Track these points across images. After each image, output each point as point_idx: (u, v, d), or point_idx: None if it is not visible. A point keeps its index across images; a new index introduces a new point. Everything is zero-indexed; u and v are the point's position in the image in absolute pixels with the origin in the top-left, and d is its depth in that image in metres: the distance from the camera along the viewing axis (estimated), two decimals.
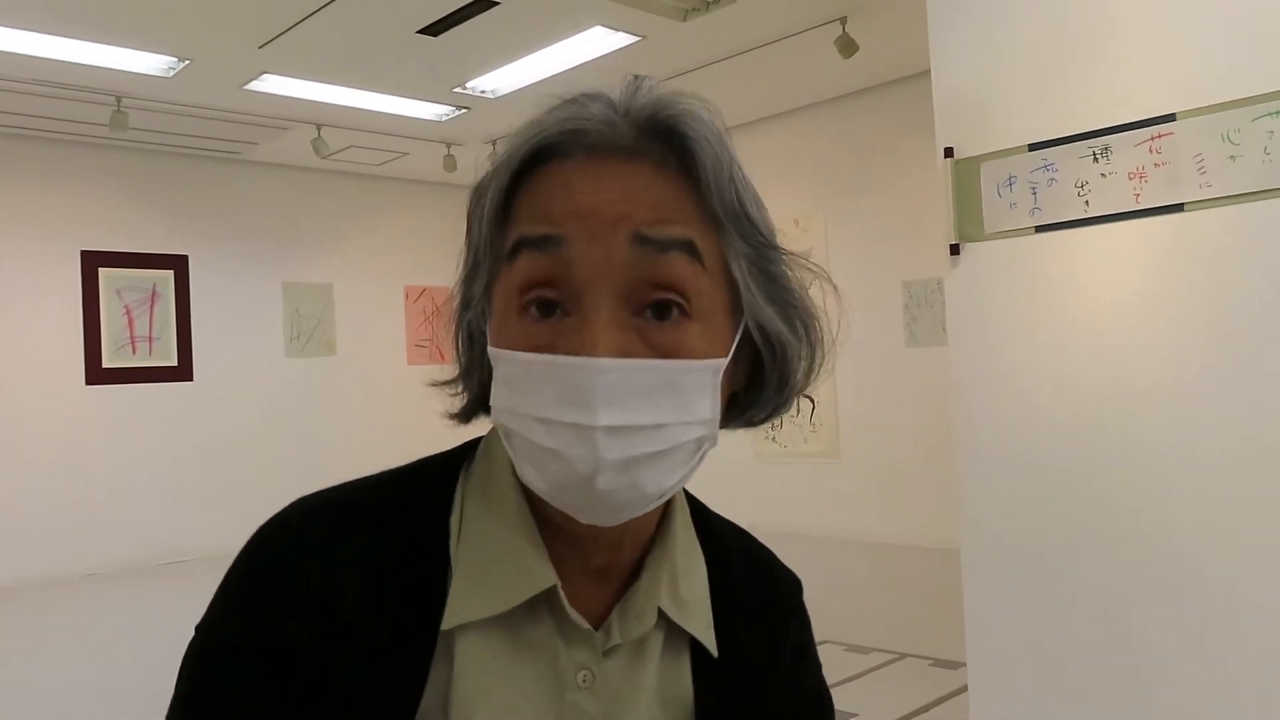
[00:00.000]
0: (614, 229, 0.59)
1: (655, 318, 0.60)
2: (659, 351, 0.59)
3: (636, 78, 0.64)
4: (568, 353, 0.58)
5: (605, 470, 0.57)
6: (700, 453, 0.62)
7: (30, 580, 6.00)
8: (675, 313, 0.60)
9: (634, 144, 0.62)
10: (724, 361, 0.62)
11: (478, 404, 0.70)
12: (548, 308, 0.60)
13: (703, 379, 0.61)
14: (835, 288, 0.71)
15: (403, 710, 0.61)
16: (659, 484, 0.60)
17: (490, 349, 0.62)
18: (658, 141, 0.62)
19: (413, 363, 7.81)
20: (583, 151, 0.61)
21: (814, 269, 0.69)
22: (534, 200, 0.62)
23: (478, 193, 0.65)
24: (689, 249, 0.61)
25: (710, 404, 0.61)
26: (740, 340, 0.65)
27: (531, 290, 0.60)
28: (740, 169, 0.64)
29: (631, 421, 0.57)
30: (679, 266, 0.60)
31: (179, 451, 6.72)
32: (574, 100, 0.63)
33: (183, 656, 0.64)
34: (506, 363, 0.60)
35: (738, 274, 0.63)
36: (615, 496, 0.58)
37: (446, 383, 0.71)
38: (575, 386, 0.57)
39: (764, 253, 0.65)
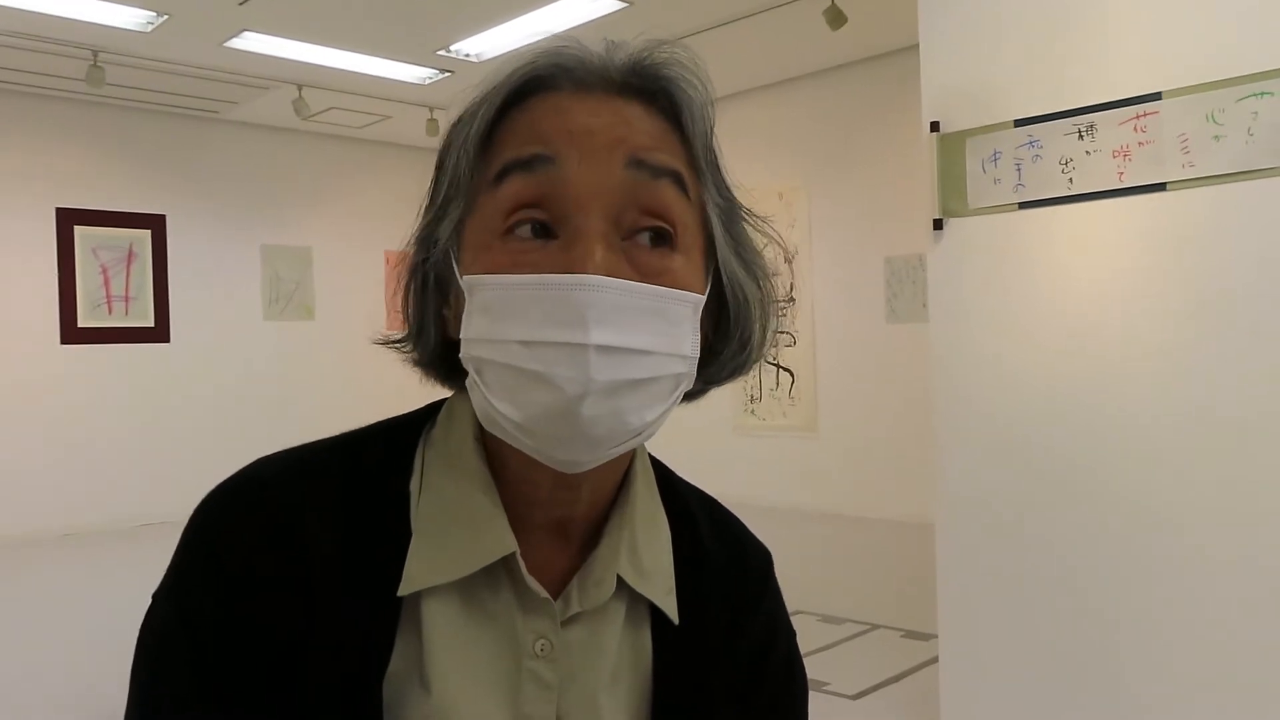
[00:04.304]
0: (610, 150, 0.60)
1: (645, 243, 0.60)
2: (646, 277, 0.59)
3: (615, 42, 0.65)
4: (556, 272, 0.57)
5: (593, 394, 0.56)
6: (677, 392, 0.62)
7: (4, 540, 5.97)
8: (663, 241, 0.61)
9: (622, 82, 0.63)
10: (702, 299, 0.62)
11: (432, 361, 0.68)
12: (533, 232, 0.59)
13: (686, 312, 0.60)
14: (789, 254, 0.71)
15: (368, 674, 0.60)
16: (640, 416, 0.59)
17: (467, 278, 0.60)
18: (646, 84, 0.63)
19: (392, 328, 7.75)
20: (572, 85, 0.62)
21: (772, 235, 0.70)
22: (522, 127, 0.62)
23: (459, 123, 0.64)
24: (677, 180, 0.61)
25: (691, 340, 0.61)
26: (708, 295, 0.64)
27: (517, 212, 0.59)
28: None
29: (623, 343, 0.56)
30: (668, 194, 0.61)
31: (155, 413, 6.68)
32: (563, 38, 0.64)
33: (140, 628, 0.62)
34: (486, 288, 0.59)
35: (713, 220, 0.64)
36: (597, 425, 0.57)
37: (397, 341, 0.69)
38: (568, 304, 0.55)
39: (731, 209, 0.66)
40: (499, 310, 0.58)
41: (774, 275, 0.69)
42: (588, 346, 0.55)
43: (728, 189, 0.66)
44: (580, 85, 0.62)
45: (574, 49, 0.63)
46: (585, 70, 0.62)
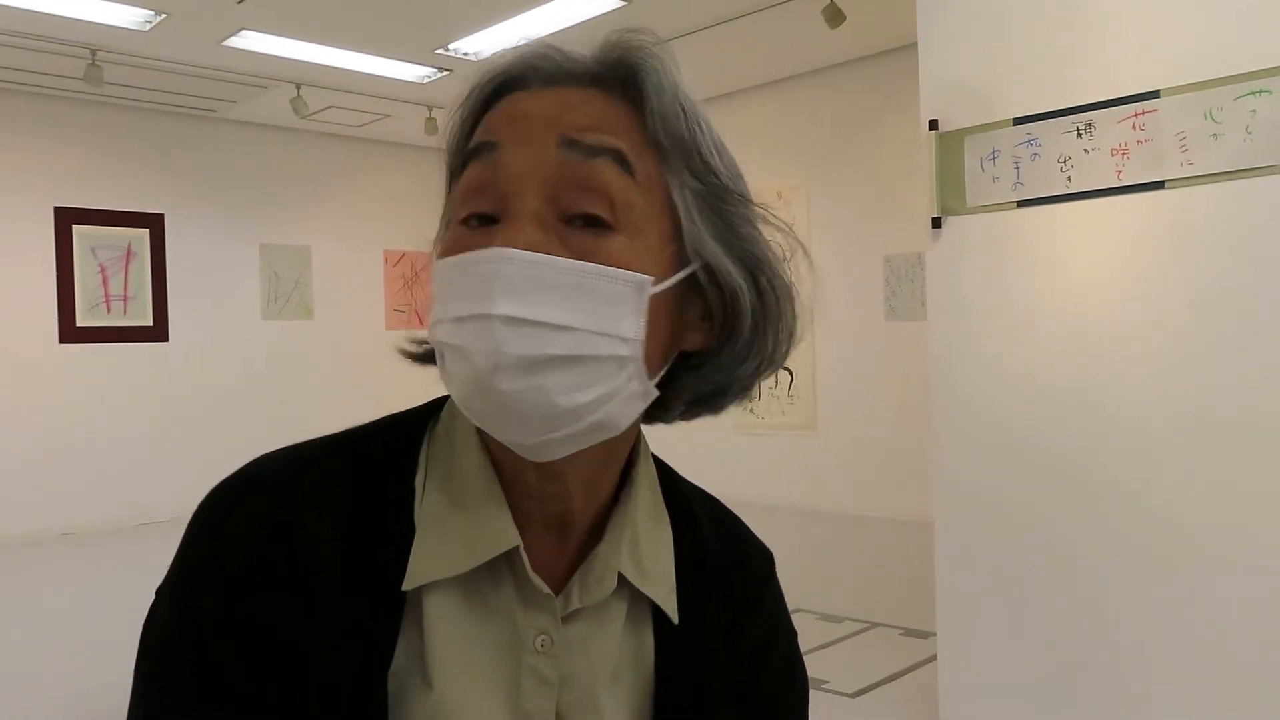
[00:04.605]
0: (543, 131, 0.60)
1: (584, 226, 0.60)
2: (579, 255, 0.59)
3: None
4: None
5: (505, 367, 0.56)
6: (624, 376, 0.60)
7: (4, 540, 5.97)
8: (599, 221, 0.60)
9: (588, 76, 0.63)
10: (649, 280, 0.60)
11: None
12: (482, 219, 0.60)
13: (624, 292, 0.59)
14: (805, 249, 0.69)
15: (372, 670, 0.60)
16: (570, 397, 0.58)
17: (432, 265, 0.63)
18: (607, 73, 0.63)
19: (391, 327, 7.77)
20: (540, 82, 0.63)
21: (779, 223, 0.68)
22: (484, 123, 0.63)
23: (449, 130, 0.66)
24: (618, 158, 0.61)
25: (632, 322, 0.59)
26: (695, 287, 0.64)
27: (469, 200, 0.61)
28: (700, 113, 0.64)
29: (532, 315, 0.56)
30: (606, 173, 0.60)
31: (154, 412, 6.68)
32: (537, 39, 0.65)
33: (144, 624, 0.62)
34: (435, 272, 0.61)
35: (680, 204, 0.63)
36: (519, 402, 0.57)
37: (422, 339, 0.70)
38: (479, 276, 0.57)
39: (717, 193, 0.64)
40: (441, 291, 0.60)
41: (783, 276, 0.67)
42: (492, 317, 0.56)
43: (714, 175, 0.64)
44: (547, 81, 0.63)
45: (542, 49, 0.63)
46: (553, 66, 0.63)
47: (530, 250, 0.57)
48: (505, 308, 0.56)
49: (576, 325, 0.57)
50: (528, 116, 0.61)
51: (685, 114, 0.63)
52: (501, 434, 0.60)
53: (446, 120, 0.66)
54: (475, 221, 0.61)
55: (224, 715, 0.58)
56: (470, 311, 0.57)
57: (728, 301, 0.64)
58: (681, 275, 0.63)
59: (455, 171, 0.64)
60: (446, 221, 0.65)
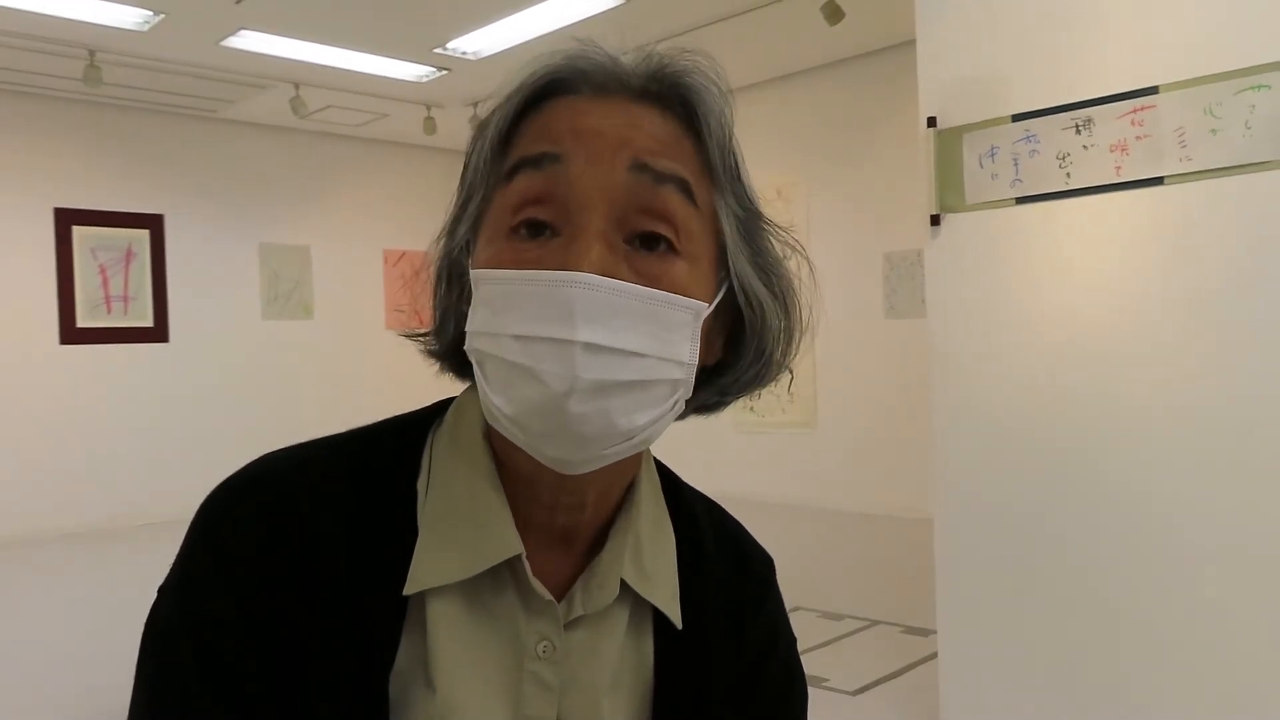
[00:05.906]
0: (615, 152, 0.60)
1: (644, 248, 0.60)
2: (644, 280, 0.59)
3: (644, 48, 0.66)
4: (554, 268, 0.57)
5: (579, 391, 0.56)
6: (674, 399, 0.61)
7: (4, 540, 5.97)
8: (664, 246, 0.61)
9: (641, 88, 0.63)
10: (706, 307, 0.62)
11: (447, 354, 0.69)
12: (537, 229, 0.60)
13: (685, 318, 0.60)
14: (811, 265, 0.71)
15: (374, 673, 0.60)
16: (630, 419, 0.58)
17: (473, 272, 0.61)
18: (665, 90, 0.64)
19: (391, 327, 7.77)
20: (590, 89, 0.63)
21: (794, 245, 0.69)
22: (536, 127, 0.63)
23: (481, 125, 0.65)
24: (683, 186, 0.61)
25: (689, 348, 0.60)
26: (721, 305, 0.64)
27: (524, 209, 0.60)
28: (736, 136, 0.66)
29: (611, 343, 0.57)
30: (673, 200, 0.61)
31: (154, 413, 6.68)
32: (583, 42, 0.64)
33: (146, 622, 0.62)
34: (488, 282, 0.59)
35: (726, 229, 0.64)
36: (584, 424, 0.57)
37: (421, 334, 0.70)
38: (558, 300, 0.56)
39: (752, 220, 0.66)
40: (498, 304, 0.59)
41: (797, 294, 0.69)
42: (574, 344, 0.56)
43: (749, 200, 0.66)
44: (599, 89, 0.62)
45: (593, 53, 0.63)
46: (604, 75, 0.63)
47: (602, 274, 0.57)
48: (587, 334, 0.56)
49: (646, 351, 0.58)
50: (597, 134, 0.60)
51: (733, 140, 0.65)
52: (551, 451, 0.59)
53: (481, 114, 0.65)
54: (525, 230, 0.60)
55: (225, 714, 0.58)
56: (544, 334, 0.56)
57: (755, 321, 0.66)
58: (720, 296, 0.64)
59: (496, 172, 0.63)
60: (471, 220, 0.64)
